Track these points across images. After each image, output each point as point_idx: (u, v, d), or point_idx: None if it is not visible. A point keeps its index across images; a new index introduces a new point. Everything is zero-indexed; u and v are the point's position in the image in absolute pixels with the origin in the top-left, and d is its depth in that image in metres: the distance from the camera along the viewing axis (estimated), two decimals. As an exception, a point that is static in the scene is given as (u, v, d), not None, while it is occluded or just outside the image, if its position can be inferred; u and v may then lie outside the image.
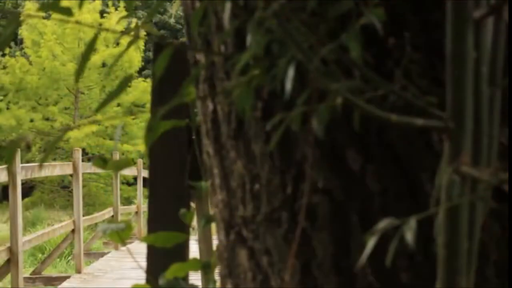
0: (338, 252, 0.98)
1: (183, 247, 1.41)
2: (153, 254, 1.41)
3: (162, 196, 1.41)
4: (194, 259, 1.29)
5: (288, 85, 0.78)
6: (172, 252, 1.34)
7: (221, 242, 1.14)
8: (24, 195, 15.76)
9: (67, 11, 0.87)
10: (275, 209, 1.02)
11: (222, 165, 1.11)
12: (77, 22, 1.01)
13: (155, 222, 1.40)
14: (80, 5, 1.10)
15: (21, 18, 0.96)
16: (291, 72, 0.77)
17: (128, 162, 1.19)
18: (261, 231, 1.03)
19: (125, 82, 1.00)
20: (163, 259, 1.39)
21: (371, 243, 0.77)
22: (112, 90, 1.00)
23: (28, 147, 0.98)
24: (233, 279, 1.10)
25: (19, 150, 6.01)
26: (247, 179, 1.05)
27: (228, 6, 0.85)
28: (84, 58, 0.97)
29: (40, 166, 6.87)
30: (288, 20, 0.83)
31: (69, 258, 11.45)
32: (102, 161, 1.16)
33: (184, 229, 1.38)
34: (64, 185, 23.00)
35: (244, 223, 1.06)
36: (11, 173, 5.73)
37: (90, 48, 0.97)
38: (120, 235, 1.20)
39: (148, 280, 1.36)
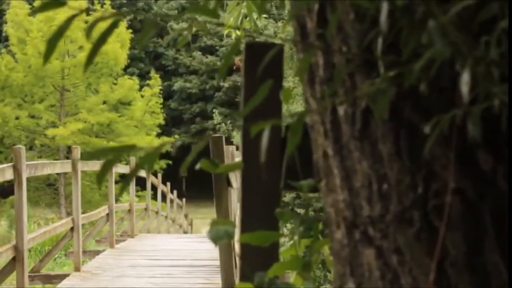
0: (472, 251, 1.00)
1: (275, 246, 1.43)
2: (247, 253, 1.42)
3: (255, 196, 1.42)
4: (295, 258, 1.30)
5: (465, 89, 0.79)
6: (264, 251, 1.35)
7: (338, 242, 1.14)
8: (10, 193, 15.68)
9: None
10: (406, 208, 1.03)
11: (343, 165, 1.12)
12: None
13: (248, 222, 1.41)
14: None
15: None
16: (466, 76, 0.79)
17: (239, 165, 1.20)
18: (391, 230, 1.04)
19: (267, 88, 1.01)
20: (256, 258, 1.40)
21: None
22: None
23: (177, 152, 0.99)
24: (355, 278, 1.11)
25: (23, 148, 5.96)
26: (374, 179, 1.06)
27: (385, 6, 0.87)
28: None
29: (43, 164, 6.86)
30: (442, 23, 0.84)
31: (56, 256, 11.36)
32: (212, 163, 1.16)
33: (276, 228, 1.39)
34: (49, 183, 22.85)
35: (371, 223, 1.07)
36: (17, 171, 5.69)
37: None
38: (228, 234, 1.20)
39: (243, 278, 1.37)
